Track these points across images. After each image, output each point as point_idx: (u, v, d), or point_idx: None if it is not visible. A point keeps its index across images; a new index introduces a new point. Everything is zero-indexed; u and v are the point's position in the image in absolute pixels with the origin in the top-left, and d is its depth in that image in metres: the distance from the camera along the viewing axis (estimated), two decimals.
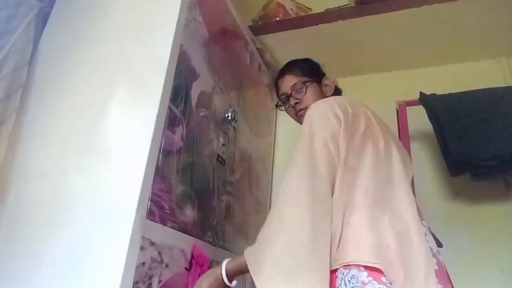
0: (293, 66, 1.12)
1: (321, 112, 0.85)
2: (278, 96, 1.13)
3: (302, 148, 0.80)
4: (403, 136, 1.32)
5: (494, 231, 1.31)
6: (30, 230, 0.79)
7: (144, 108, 0.82)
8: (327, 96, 1.06)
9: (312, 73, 1.10)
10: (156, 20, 0.95)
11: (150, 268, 0.74)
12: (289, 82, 1.08)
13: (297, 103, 1.06)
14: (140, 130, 0.81)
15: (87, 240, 0.73)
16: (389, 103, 1.50)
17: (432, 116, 1.29)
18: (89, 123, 0.87)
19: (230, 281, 0.80)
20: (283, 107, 1.12)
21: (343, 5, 1.47)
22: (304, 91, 1.05)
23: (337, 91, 1.13)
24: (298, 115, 1.07)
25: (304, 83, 1.06)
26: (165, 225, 0.81)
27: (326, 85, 1.10)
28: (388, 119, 1.51)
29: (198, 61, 1.03)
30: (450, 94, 1.32)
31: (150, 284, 0.74)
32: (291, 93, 1.07)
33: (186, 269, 0.87)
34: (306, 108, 0.96)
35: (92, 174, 0.80)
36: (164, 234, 0.81)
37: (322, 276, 0.68)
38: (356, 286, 0.66)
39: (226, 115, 1.19)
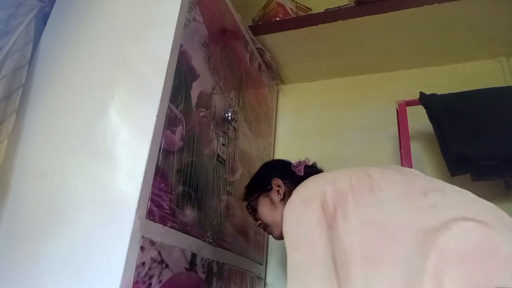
0: (245, 190, 1.05)
1: (293, 220, 0.75)
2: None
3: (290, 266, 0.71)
4: (403, 136, 1.32)
5: None
6: (30, 230, 0.79)
7: (144, 108, 0.83)
8: (284, 198, 0.91)
9: (256, 187, 1.00)
10: (156, 20, 0.95)
11: (150, 268, 0.74)
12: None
13: (259, 225, 1.00)
14: (140, 130, 0.81)
15: (87, 240, 0.73)
16: (389, 103, 1.50)
17: (432, 116, 1.29)
18: (89, 123, 0.87)
19: None
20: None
21: (343, 5, 1.47)
22: (255, 212, 0.98)
23: (310, 171, 0.94)
24: (271, 235, 0.98)
25: (248, 205, 1.01)
26: (165, 225, 0.81)
27: (278, 186, 0.94)
28: (388, 119, 1.54)
29: (198, 61, 1.03)
30: (450, 94, 1.32)
31: (150, 284, 0.74)
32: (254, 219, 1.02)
33: (186, 269, 0.87)
34: (269, 225, 0.95)
35: (92, 174, 0.80)
36: (164, 234, 0.81)
37: None
38: None
39: (226, 115, 1.19)
